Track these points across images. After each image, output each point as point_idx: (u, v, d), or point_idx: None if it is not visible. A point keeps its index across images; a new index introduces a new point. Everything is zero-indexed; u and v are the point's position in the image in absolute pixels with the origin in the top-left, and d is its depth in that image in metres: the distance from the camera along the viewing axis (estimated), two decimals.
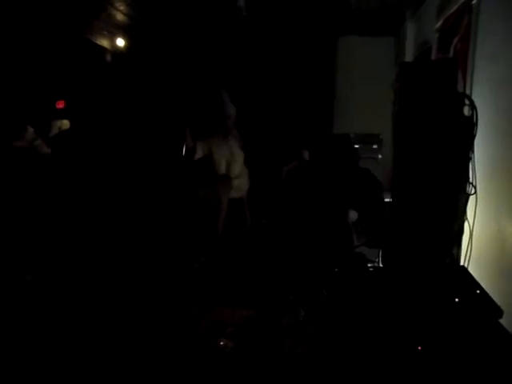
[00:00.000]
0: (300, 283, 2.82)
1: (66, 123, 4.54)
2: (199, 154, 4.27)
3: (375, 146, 4.34)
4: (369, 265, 2.74)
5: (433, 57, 4.17)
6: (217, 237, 4.38)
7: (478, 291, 1.81)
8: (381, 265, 2.74)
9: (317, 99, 5.36)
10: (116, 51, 5.43)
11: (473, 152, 2.19)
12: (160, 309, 3.29)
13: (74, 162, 3.60)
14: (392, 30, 5.54)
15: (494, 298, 1.87)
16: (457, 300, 1.71)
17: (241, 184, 4.42)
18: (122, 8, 5.11)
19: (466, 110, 2.38)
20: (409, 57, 5.03)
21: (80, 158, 3.69)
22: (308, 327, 2.48)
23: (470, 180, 2.24)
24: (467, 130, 2.18)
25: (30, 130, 3.64)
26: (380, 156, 4.44)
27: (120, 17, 5.29)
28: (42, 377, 2.39)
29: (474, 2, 3.19)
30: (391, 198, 2.48)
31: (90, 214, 3.61)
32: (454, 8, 3.61)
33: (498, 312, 1.68)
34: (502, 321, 1.73)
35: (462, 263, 2.18)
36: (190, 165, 4.92)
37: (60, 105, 4.91)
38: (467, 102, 2.28)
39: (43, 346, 2.58)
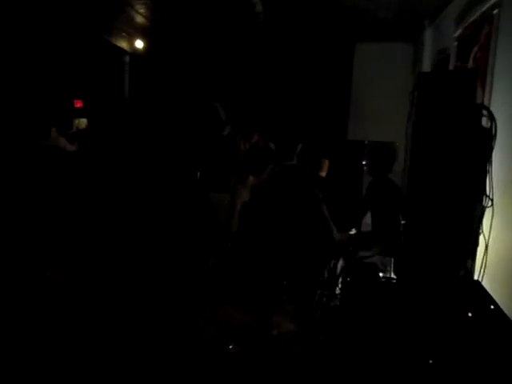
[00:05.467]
0: (292, 283, 2.82)
1: (83, 122, 4.63)
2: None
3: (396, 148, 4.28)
4: (381, 274, 2.73)
5: (451, 65, 4.14)
6: (229, 239, 4.40)
7: (491, 306, 1.78)
8: (393, 275, 2.72)
9: (332, 105, 5.35)
10: (135, 53, 5.51)
11: (490, 164, 2.16)
12: (169, 311, 3.32)
13: (92, 160, 3.66)
14: (410, 37, 5.50)
15: (509, 314, 1.84)
16: (470, 314, 1.69)
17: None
18: (141, 10, 5.18)
19: (485, 121, 2.35)
20: (426, 64, 4.99)
21: (97, 156, 3.76)
22: (318, 335, 2.47)
23: (487, 192, 2.21)
24: (485, 141, 2.15)
25: (54, 129, 3.72)
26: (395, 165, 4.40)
27: (139, 19, 5.36)
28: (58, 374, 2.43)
29: (495, 12, 3.15)
30: (406, 207, 2.46)
31: (105, 212, 3.66)
32: (474, 17, 3.58)
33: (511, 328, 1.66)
34: None
35: (476, 277, 2.16)
36: (204, 167, 4.97)
37: (78, 104, 5.00)
38: (486, 113, 2.26)
39: (59, 342, 2.63)
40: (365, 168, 4.23)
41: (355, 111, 5.27)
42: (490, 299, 1.87)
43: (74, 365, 2.50)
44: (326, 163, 3.52)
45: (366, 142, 4.40)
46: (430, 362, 1.52)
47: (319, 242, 2.66)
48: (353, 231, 3.47)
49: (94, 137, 4.05)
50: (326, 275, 2.97)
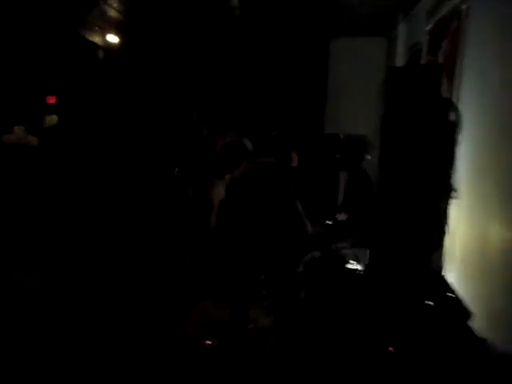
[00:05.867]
0: (268, 278, 2.85)
1: (54, 118, 4.52)
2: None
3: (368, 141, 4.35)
4: (349, 266, 2.77)
5: (423, 59, 4.20)
6: (207, 235, 4.40)
7: (450, 294, 1.84)
8: (361, 267, 2.77)
9: (309, 98, 5.38)
10: (108, 48, 5.41)
11: (456, 157, 2.22)
12: (147, 308, 3.31)
13: (61, 157, 3.59)
14: (384, 31, 5.57)
15: (473, 301, 1.91)
16: (431, 303, 1.75)
17: None
18: (115, 5, 5.09)
19: (452, 115, 2.41)
20: (400, 58, 5.06)
21: (66, 153, 3.69)
22: (293, 328, 2.51)
23: (454, 183, 2.27)
24: (451, 135, 2.21)
25: (21, 126, 3.62)
26: (369, 157, 4.47)
27: (113, 13, 5.27)
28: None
29: (463, 7, 3.21)
30: (377, 198, 2.51)
31: (76, 210, 3.60)
32: (444, 11, 3.64)
33: (467, 314, 1.72)
34: (475, 324, 1.76)
35: (443, 266, 2.22)
36: (181, 164, 4.94)
37: (51, 100, 4.89)
38: (452, 107, 2.31)
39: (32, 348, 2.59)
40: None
41: (332, 105, 5.32)
42: (448, 288, 1.93)
43: (46, 364, 2.47)
44: (295, 155, 3.57)
45: (341, 136, 4.45)
46: (391, 349, 1.57)
47: (293, 236, 2.68)
48: (328, 223, 3.52)
49: (63, 133, 3.97)
50: (301, 269, 3.01)
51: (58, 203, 3.34)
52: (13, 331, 2.61)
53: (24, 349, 2.54)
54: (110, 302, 3.23)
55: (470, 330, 1.68)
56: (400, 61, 5.03)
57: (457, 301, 1.81)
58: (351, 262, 2.72)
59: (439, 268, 2.29)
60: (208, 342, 2.85)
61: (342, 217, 3.36)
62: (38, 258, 3.13)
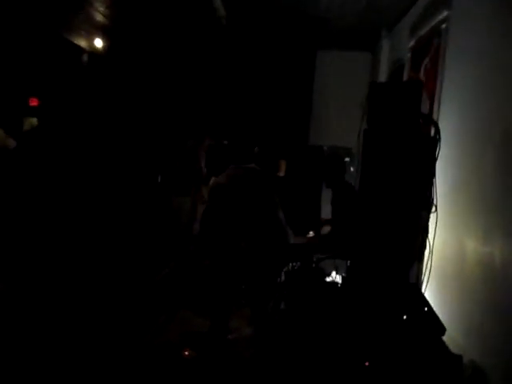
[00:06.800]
0: (249, 287, 2.84)
1: (34, 121, 4.44)
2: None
3: (347, 159, 4.44)
4: (328, 279, 2.79)
5: (405, 75, 4.30)
6: (190, 242, 4.37)
7: (425, 309, 1.86)
8: (339, 279, 2.79)
9: (294, 110, 5.43)
10: (94, 52, 5.36)
11: (434, 172, 2.27)
12: (126, 315, 3.25)
13: (38, 161, 3.52)
14: (369, 46, 5.68)
15: (450, 314, 1.94)
16: (405, 317, 1.77)
17: None
18: (101, 9, 5.06)
19: (432, 131, 2.47)
20: (383, 73, 5.17)
21: (44, 157, 3.61)
22: (272, 338, 2.50)
23: (432, 198, 2.31)
24: (430, 150, 2.25)
25: (0, 129, 3.53)
26: (352, 169, 4.54)
27: (99, 17, 5.24)
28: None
29: (443, 26, 3.31)
30: (357, 212, 2.53)
31: (52, 215, 3.53)
32: (425, 30, 3.75)
33: (441, 330, 1.74)
34: (446, 338, 1.79)
35: (422, 279, 2.25)
36: (164, 170, 4.91)
37: (33, 102, 4.80)
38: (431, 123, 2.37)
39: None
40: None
41: (316, 117, 5.38)
42: (425, 302, 1.96)
43: (20, 371, 2.40)
44: (283, 164, 3.59)
45: (325, 148, 4.51)
46: (366, 364, 1.58)
47: (274, 244, 2.69)
48: (310, 234, 3.54)
49: (42, 136, 3.89)
50: (282, 279, 3.01)
51: (35, 207, 3.27)
52: None
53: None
54: (89, 309, 3.17)
55: (444, 346, 1.70)
56: (383, 75, 5.14)
57: (432, 315, 1.84)
58: (331, 273, 2.74)
59: (417, 282, 2.32)
60: (187, 352, 2.82)
61: (325, 229, 3.39)
62: (5, 265, 3.04)
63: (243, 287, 2.95)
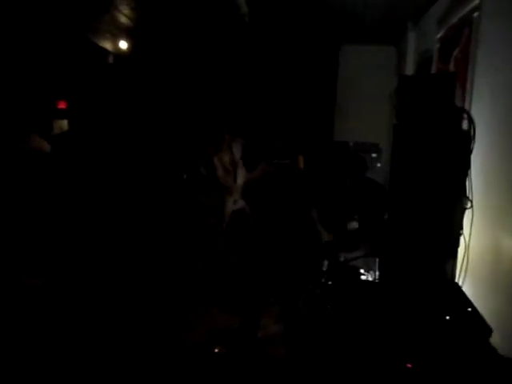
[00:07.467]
0: (279, 285, 2.83)
1: (64, 123, 4.55)
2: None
3: (374, 155, 4.36)
4: (363, 277, 2.75)
5: (433, 67, 4.19)
6: (216, 243, 4.39)
7: (469, 309, 1.80)
8: (376, 277, 2.74)
9: (318, 106, 5.38)
10: (119, 54, 5.45)
11: (470, 166, 2.20)
12: (156, 314, 3.30)
13: (72, 164, 3.61)
14: (394, 39, 5.56)
15: (487, 314, 1.87)
16: (447, 318, 1.71)
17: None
18: (125, 11, 5.13)
19: (465, 124, 2.39)
20: (410, 66, 5.05)
21: (78, 160, 3.70)
22: (303, 337, 2.48)
23: (467, 194, 2.24)
24: (465, 144, 2.18)
25: (35, 132, 3.64)
26: (379, 165, 4.45)
27: (124, 20, 5.32)
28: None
29: (475, 15, 3.20)
30: (388, 209, 2.48)
31: (88, 217, 3.62)
32: (455, 19, 3.63)
33: (488, 331, 1.68)
34: (493, 339, 1.72)
35: (457, 277, 2.19)
36: (193, 171, 4.94)
37: (61, 105, 4.93)
38: (465, 116, 2.29)
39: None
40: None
41: (341, 113, 5.32)
42: (467, 301, 1.90)
43: (53, 370, 2.47)
44: (302, 159, 3.56)
45: (351, 143, 4.44)
46: (409, 365, 1.54)
47: (308, 243, 2.67)
48: (339, 232, 3.50)
49: (74, 139, 3.98)
50: (312, 277, 2.98)
51: (70, 208, 3.36)
52: (19, 335, 2.61)
53: (30, 352, 2.54)
54: (118, 306, 3.23)
55: (492, 348, 1.63)
56: (410, 68, 5.02)
57: (477, 315, 1.76)
58: (362, 272, 2.69)
59: (453, 279, 2.25)
60: (217, 349, 2.84)
61: (353, 226, 3.34)
62: (44, 261, 3.13)
63: (272, 286, 2.94)
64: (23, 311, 2.68)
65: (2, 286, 2.72)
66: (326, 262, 2.94)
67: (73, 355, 2.61)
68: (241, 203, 4.31)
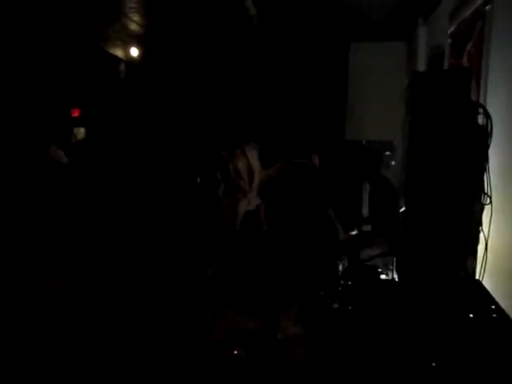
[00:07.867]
0: (297, 285, 2.82)
1: (81, 131, 4.63)
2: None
3: (388, 153, 4.33)
4: (383, 276, 2.72)
5: (445, 62, 4.14)
6: (231, 244, 4.40)
7: (492, 306, 1.77)
8: (395, 276, 2.71)
9: (329, 105, 5.36)
10: (130, 61, 5.52)
11: (487, 161, 2.16)
12: (173, 315, 3.32)
13: (89, 171, 3.67)
14: (404, 35, 5.51)
15: (510, 311, 1.84)
16: (471, 315, 1.69)
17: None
18: (135, 18, 5.20)
19: (481, 119, 2.36)
20: (420, 62, 5.00)
21: (95, 167, 3.76)
22: (322, 337, 2.47)
23: (485, 190, 2.21)
24: (481, 139, 2.15)
25: (53, 141, 3.70)
26: (393, 163, 4.42)
27: (134, 27, 5.38)
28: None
29: (487, 8, 3.15)
30: (404, 206, 2.46)
31: (105, 222, 3.67)
32: (467, 13, 3.58)
33: None
34: None
35: (477, 275, 2.15)
36: (208, 175, 4.97)
37: (75, 113, 5.01)
38: (481, 110, 2.26)
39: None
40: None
41: (352, 111, 5.28)
42: (490, 298, 1.87)
43: (75, 373, 2.51)
44: (316, 158, 3.55)
45: (364, 142, 4.41)
46: (433, 364, 1.52)
47: (324, 242, 2.66)
48: (354, 232, 3.48)
49: (93, 147, 4.06)
50: (329, 276, 2.98)
51: (87, 211, 3.41)
52: (40, 339, 2.66)
53: (51, 355, 2.58)
54: (136, 309, 3.26)
55: None
56: (421, 64, 4.97)
57: (501, 313, 1.73)
58: (381, 271, 2.67)
59: (474, 277, 2.22)
60: (236, 351, 2.84)
61: (367, 227, 3.33)
62: (63, 266, 3.18)
63: (289, 286, 2.93)
64: (48, 316, 2.73)
65: (27, 293, 2.78)
66: (344, 262, 2.93)
67: (89, 356, 2.64)
68: (254, 204, 4.33)
